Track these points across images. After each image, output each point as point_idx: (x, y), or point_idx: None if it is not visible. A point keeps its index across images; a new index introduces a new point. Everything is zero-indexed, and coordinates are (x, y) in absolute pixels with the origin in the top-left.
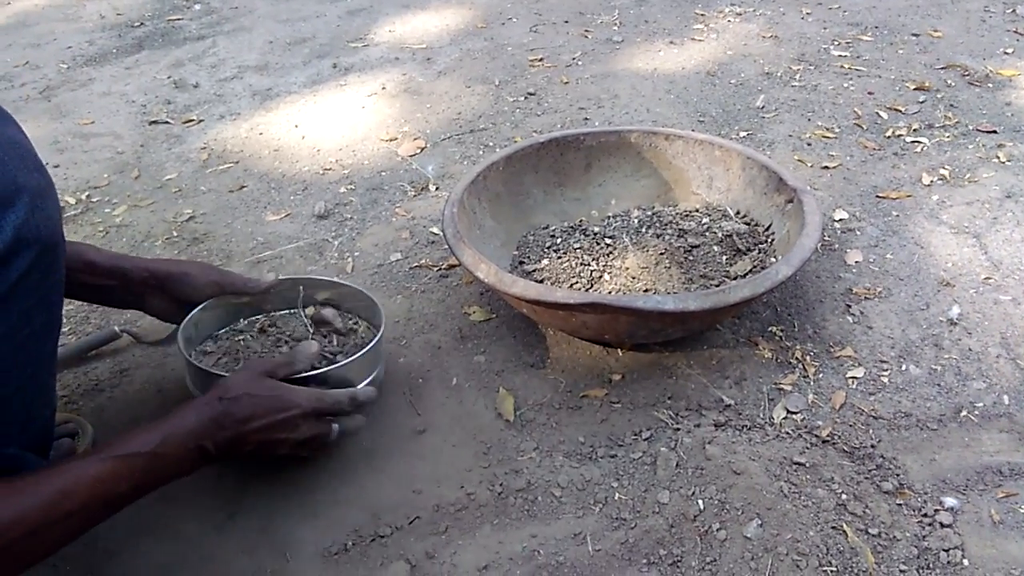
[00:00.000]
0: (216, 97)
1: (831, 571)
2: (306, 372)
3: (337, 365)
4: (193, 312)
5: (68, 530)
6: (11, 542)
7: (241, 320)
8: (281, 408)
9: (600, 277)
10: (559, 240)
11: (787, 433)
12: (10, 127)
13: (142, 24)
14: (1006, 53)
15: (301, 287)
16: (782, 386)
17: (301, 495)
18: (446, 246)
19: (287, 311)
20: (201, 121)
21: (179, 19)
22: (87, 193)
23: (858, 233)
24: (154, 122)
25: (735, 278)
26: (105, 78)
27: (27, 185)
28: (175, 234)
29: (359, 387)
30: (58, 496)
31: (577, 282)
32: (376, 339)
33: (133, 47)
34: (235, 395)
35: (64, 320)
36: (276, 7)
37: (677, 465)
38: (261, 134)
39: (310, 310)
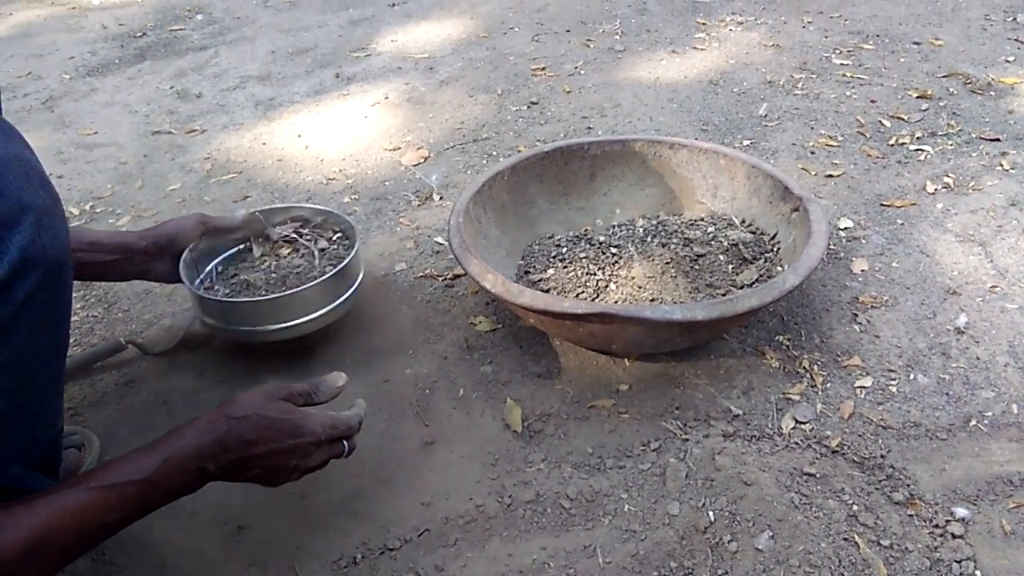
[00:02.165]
0: (219, 107)
1: None
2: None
3: (307, 285)
4: (184, 255)
5: (54, 562)
6: None
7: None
8: (293, 434)
9: (606, 286)
10: (564, 250)
11: (796, 443)
12: (15, 143)
13: (144, 34)
14: (1007, 61)
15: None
16: (790, 396)
17: (310, 508)
18: (452, 256)
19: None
20: (204, 131)
21: (181, 29)
22: (90, 204)
23: (863, 242)
24: (157, 132)
25: (741, 287)
26: (108, 88)
27: (32, 204)
28: None
29: (356, 404)
30: (43, 530)
31: (583, 292)
32: (349, 258)
33: (136, 57)
34: (243, 415)
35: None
36: (278, 17)
37: (686, 476)
38: (264, 144)
39: (280, 229)
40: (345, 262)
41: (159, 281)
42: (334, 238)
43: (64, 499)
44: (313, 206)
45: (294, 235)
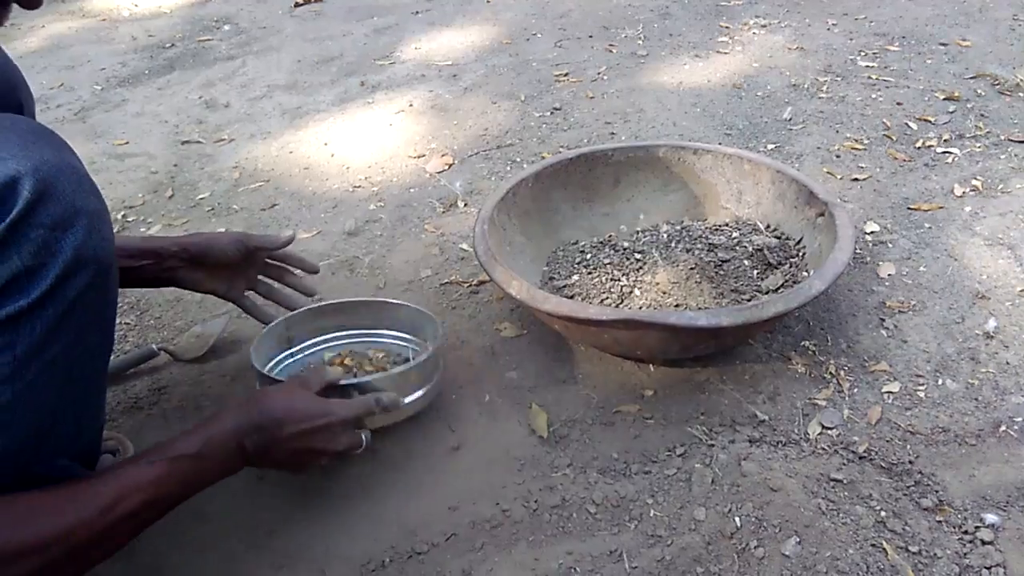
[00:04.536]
0: (246, 116)
1: None
2: (354, 379)
3: (382, 375)
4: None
5: (125, 532)
6: (73, 547)
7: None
8: (319, 415)
9: (630, 292)
10: (589, 256)
11: (823, 449)
12: (67, 153)
13: (173, 45)
14: None
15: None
16: (816, 401)
17: (338, 512)
18: (477, 263)
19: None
20: (232, 140)
21: (209, 40)
22: (122, 212)
23: (890, 246)
24: (186, 142)
25: (766, 292)
26: (138, 99)
27: (85, 208)
28: None
29: (383, 392)
30: (115, 500)
31: (607, 298)
32: (426, 354)
33: (165, 68)
34: (274, 397)
35: None
36: (303, 26)
37: (712, 482)
38: (291, 152)
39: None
40: (432, 349)
41: (190, 289)
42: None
43: (129, 473)
44: (401, 303)
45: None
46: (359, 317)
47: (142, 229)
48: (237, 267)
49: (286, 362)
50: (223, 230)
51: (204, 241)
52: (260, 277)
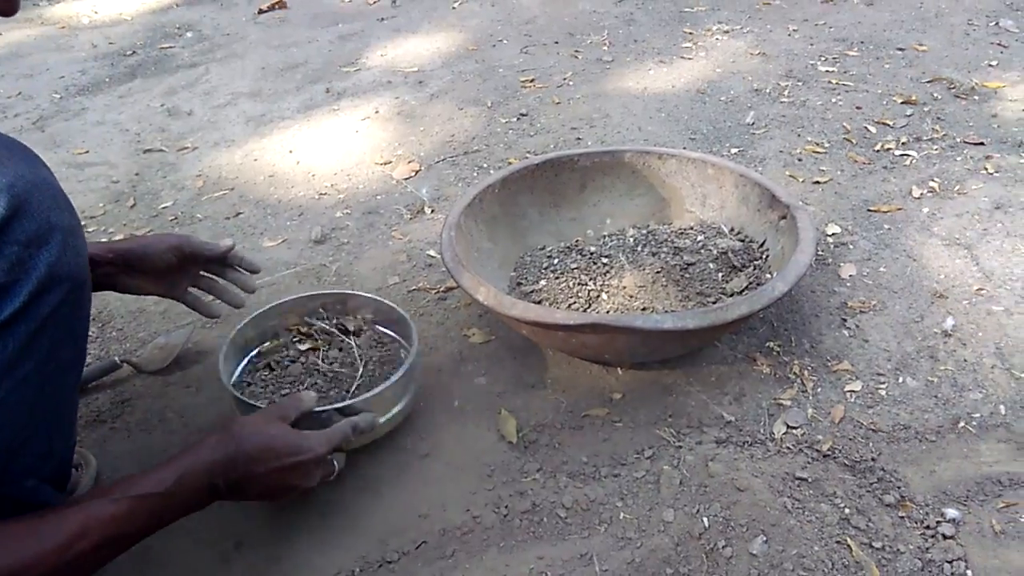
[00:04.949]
0: (210, 124)
1: None
2: (334, 405)
3: (362, 397)
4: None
5: (86, 568)
6: None
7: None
8: (296, 452)
9: (598, 297)
10: (556, 260)
11: (788, 448)
12: (42, 168)
13: (134, 53)
14: (991, 65)
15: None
16: (781, 401)
17: (307, 522)
18: (444, 269)
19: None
20: (195, 148)
21: (171, 47)
22: (83, 223)
23: (851, 247)
24: (148, 150)
25: (731, 295)
26: (98, 107)
27: (60, 224)
28: None
29: (358, 416)
30: (76, 536)
31: (575, 302)
32: (404, 367)
33: (126, 76)
34: (250, 434)
35: None
36: (267, 33)
37: (680, 483)
38: (256, 160)
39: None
40: (408, 362)
41: (132, 293)
42: (364, 324)
43: (92, 509)
44: (377, 298)
45: (333, 329)
46: (323, 304)
47: (103, 239)
48: (176, 271)
49: (252, 360)
50: (172, 219)
51: (139, 248)
52: (202, 273)
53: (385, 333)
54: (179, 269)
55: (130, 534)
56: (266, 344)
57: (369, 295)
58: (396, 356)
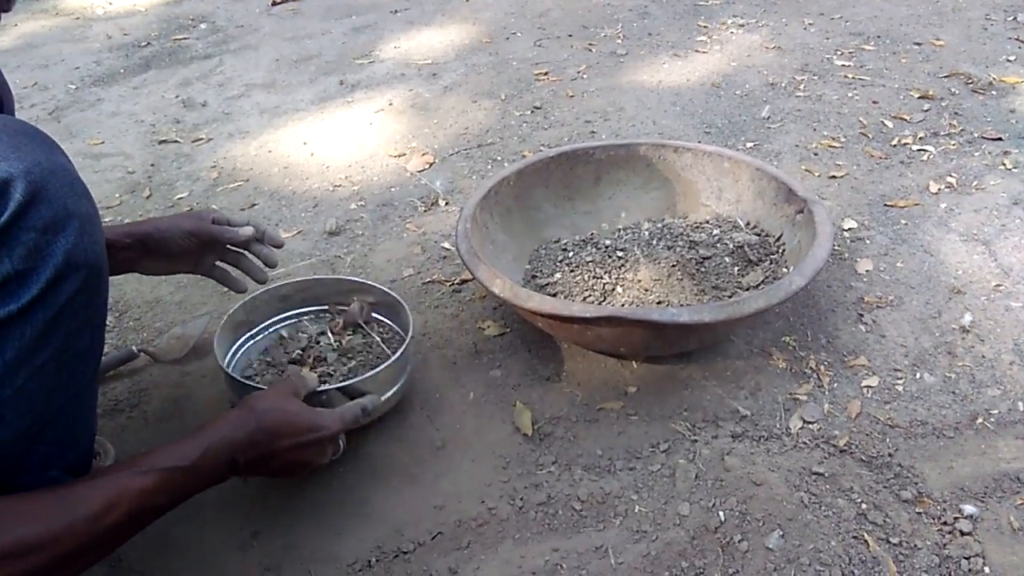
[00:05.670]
0: (224, 115)
1: None
2: (336, 384)
3: (362, 377)
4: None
5: (111, 541)
6: (57, 555)
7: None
8: (312, 428)
9: (613, 290)
10: (571, 253)
11: (804, 443)
12: (59, 155)
13: (149, 44)
14: (1008, 60)
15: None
16: (797, 396)
17: (324, 512)
18: (459, 261)
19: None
20: (210, 140)
21: (185, 39)
22: (100, 213)
23: (868, 242)
24: (164, 141)
25: (747, 289)
26: (113, 98)
27: (77, 211)
28: None
29: (366, 398)
30: (104, 509)
31: (590, 295)
32: (401, 350)
33: (140, 67)
34: (270, 410)
35: None
36: (281, 25)
37: (696, 477)
38: (270, 152)
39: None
40: (406, 344)
41: (154, 274)
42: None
43: (121, 480)
44: (373, 284)
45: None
46: (322, 292)
47: None
48: (197, 252)
49: (246, 345)
50: (188, 209)
51: (156, 232)
52: (228, 247)
53: (382, 320)
54: (200, 250)
55: (157, 506)
56: (258, 327)
57: (360, 279)
58: (393, 340)
